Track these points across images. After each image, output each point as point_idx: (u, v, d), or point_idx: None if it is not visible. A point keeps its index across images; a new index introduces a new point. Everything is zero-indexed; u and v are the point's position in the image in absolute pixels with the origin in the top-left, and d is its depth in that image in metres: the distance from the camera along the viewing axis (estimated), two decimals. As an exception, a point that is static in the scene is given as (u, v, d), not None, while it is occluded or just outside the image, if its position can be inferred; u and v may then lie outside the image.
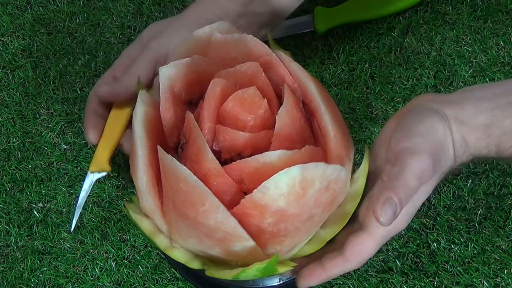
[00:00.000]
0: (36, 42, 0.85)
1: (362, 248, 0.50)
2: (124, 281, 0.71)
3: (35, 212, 0.75)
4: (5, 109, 0.81)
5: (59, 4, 0.87)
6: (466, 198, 0.71)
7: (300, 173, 0.46)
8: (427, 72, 0.79)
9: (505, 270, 0.68)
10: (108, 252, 0.72)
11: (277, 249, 0.51)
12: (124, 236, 0.73)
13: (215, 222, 0.47)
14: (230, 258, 0.51)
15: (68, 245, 0.73)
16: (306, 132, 0.53)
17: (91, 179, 0.65)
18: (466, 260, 0.69)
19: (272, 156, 0.47)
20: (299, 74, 0.54)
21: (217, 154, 0.50)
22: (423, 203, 0.54)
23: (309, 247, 0.53)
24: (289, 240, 0.50)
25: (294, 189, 0.47)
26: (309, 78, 0.54)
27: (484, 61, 0.79)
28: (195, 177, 0.47)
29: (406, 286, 0.68)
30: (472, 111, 0.50)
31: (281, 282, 0.70)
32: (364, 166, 0.53)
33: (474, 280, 0.68)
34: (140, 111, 0.53)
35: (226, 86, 0.52)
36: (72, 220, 0.71)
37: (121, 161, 0.75)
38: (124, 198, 0.75)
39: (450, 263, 0.69)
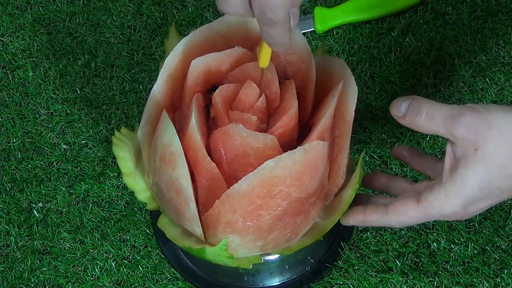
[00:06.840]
0: (36, 42, 0.85)
1: (404, 210, 0.51)
2: (124, 281, 0.71)
3: (35, 212, 0.75)
4: (5, 109, 0.81)
5: (59, 4, 0.87)
6: (466, 198, 0.71)
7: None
8: (427, 72, 0.79)
9: (505, 270, 0.68)
10: (108, 252, 0.72)
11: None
12: (124, 236, 0.73)
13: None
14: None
15: (68, 245, 0.73)
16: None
17: None
18: (466, 260, 0.69)
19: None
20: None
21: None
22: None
23: (308, 239, 0.55)
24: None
25: None
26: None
27: (484, 61, 0.79)
28: None
29: (406, 286, 0.68)
30: None
31: (281, 282, 0.70)
32: (360, 160, 0.54)
33: (474, 280, 0.68)
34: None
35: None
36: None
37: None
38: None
39: (450, 263, 0.69)
